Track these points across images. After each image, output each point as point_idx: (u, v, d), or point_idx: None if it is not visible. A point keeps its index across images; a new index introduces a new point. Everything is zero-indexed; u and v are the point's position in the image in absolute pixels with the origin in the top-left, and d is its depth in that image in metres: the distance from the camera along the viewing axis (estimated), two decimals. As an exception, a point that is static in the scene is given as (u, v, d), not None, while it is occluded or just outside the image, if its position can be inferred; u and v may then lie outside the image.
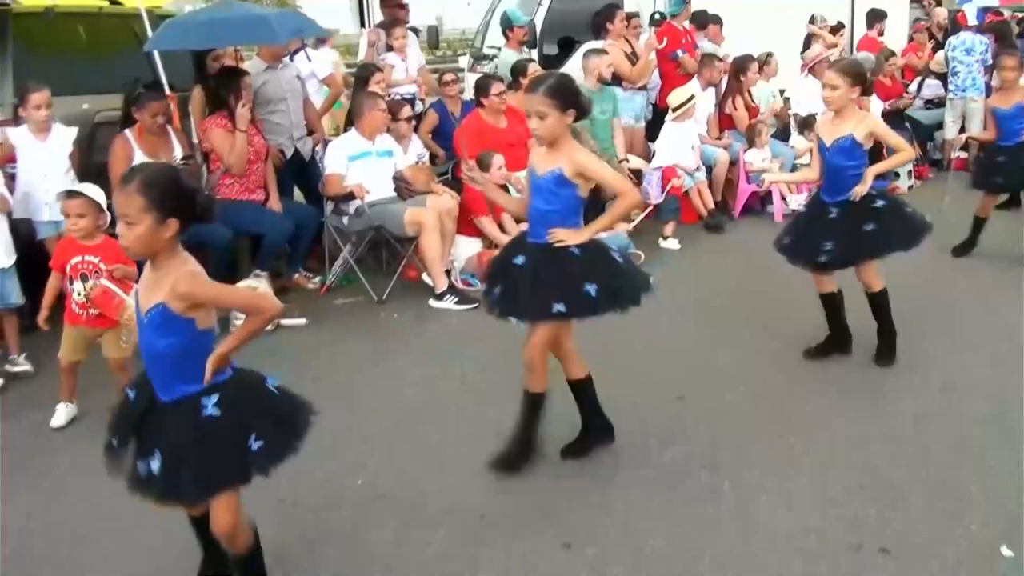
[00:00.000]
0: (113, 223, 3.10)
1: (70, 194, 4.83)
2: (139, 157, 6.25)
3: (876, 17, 12.07)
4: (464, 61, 11.86)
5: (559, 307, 3.90)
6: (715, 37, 10.66)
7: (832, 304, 5.43)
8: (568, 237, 3.97)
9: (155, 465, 2.86)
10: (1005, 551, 3.38)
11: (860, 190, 5.06)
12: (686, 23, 10.21)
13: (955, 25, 12.11)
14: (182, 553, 3.44)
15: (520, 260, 4.05)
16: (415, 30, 10.04)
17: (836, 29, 11.66)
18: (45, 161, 6.08)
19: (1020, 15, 14.96)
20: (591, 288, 3.89)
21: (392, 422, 4.83)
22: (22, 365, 5.71)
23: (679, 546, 3.54)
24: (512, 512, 3.87)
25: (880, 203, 5.19)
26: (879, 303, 5.29)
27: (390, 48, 8.86)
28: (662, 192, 8.41)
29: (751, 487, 3.97)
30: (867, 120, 5.24)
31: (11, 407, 5.27)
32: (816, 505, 3.81)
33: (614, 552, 3.53)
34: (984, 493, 3.81)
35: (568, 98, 3.95)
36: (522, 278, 4.00)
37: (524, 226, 4.31)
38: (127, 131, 6.38)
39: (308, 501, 4.02)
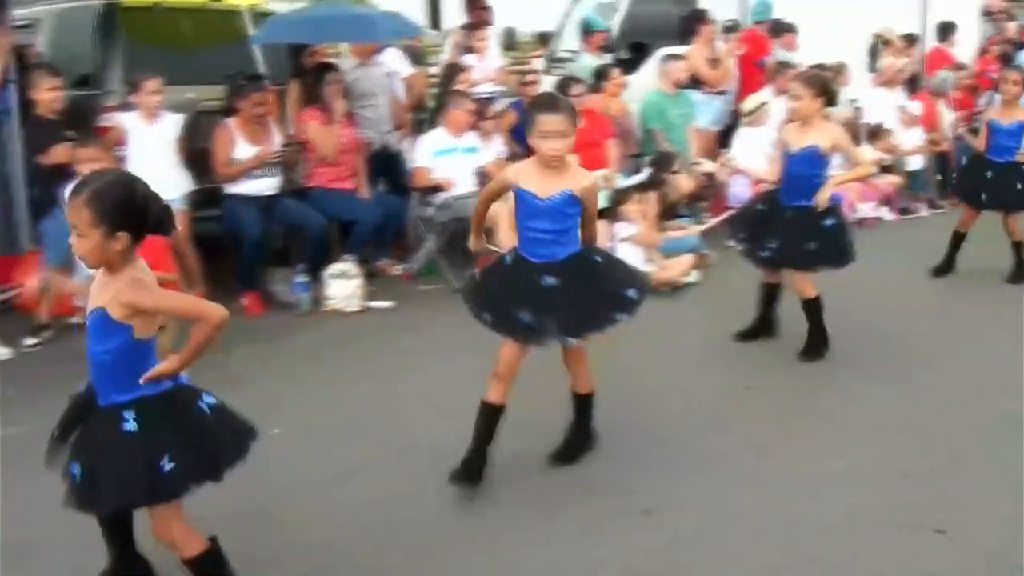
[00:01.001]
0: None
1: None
2: (241, 145, 6.66)
3: (947, 30, 12.15)
4: (538, 64, 12.09)
5: (620, 316, 4.00)
6: (789, 45, 10.81)
7: (769, 294, 5.84)
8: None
9: (75, 470, 2.86)
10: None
11: (823, 198, 5.27)
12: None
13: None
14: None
15: (551, 281, 3.95)
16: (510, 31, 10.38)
17: (910, 41, 11.74)
18: (153, 145, 6.46)
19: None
20: (631, 291, 4.04)
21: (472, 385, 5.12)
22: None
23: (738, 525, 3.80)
24: (591, 482, 4.14)
25: (829, 222, 5.42)
26: (811, 309, 5.53)
27: (470, 50, 9.18)
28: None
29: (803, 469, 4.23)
30: (832, 132, 5.44)
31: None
32: (865, 487, 4.03)
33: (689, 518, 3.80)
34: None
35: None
36: (563, 298, 3.95)
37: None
38: (229, 120, 6.76)
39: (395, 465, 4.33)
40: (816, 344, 5.58)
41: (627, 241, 7.17)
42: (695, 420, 4.76)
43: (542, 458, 4.30)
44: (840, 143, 5.47)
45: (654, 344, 5.68)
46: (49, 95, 6.31)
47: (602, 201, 7.70)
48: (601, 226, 6.63)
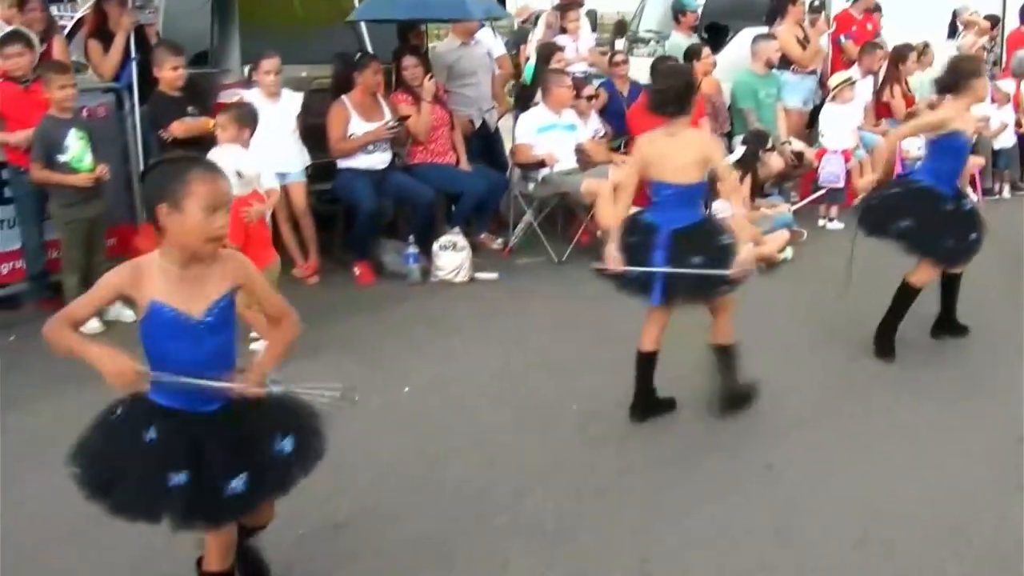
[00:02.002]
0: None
1: None
2: (355, 120, 6.93)
3: (1034, 15, 12.08)
4: (620, 44, 12.25)
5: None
6: (876, 26, 10.85)
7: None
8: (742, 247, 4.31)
9: (239, 485, 2.72)
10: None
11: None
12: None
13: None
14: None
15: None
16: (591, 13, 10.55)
17: (993, 23, 11.71)
18: (274, 122, 6.72)
19: None
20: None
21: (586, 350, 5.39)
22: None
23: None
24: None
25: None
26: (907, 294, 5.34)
27: (563, 30, 9.38)
28: (843, 175, 8.72)
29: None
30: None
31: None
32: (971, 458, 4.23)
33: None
34: None
35: None
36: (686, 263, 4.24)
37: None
38: (344, 96, 7.03)
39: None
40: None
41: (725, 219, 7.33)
42: (806, 395, 4.96)
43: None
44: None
45: (756, 319, 5.84)
46: (172, 73, 6.58)
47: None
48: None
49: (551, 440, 4.43)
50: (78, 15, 8.82)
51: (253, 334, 5.14)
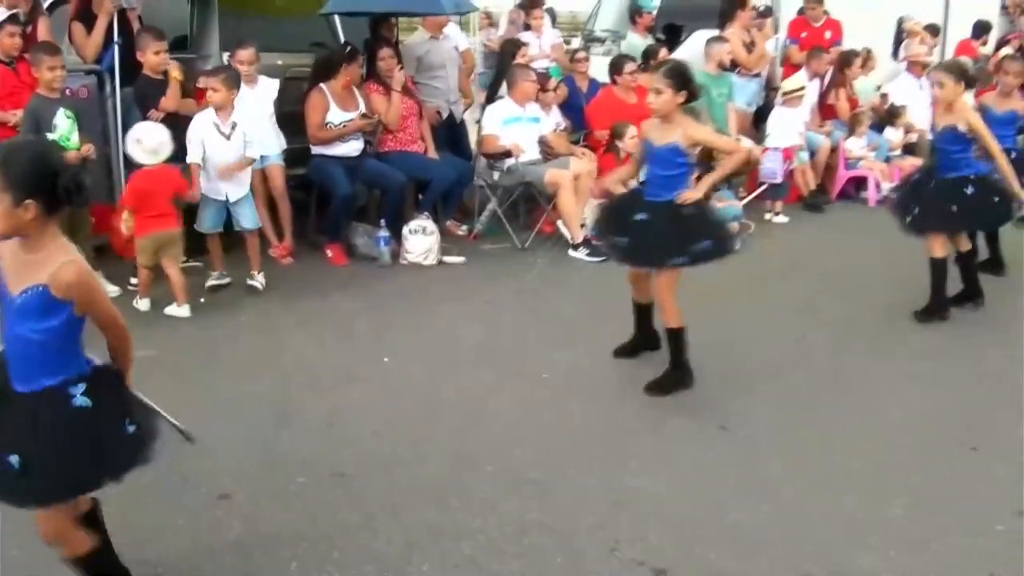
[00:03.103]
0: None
1: None
2: (333, 109, 7.25)
3: (983, 29, 12.71)
4: (576, 43, 12.66)
5: (682, 259, 4.72)
6: (837, 34, 11.36)
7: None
8: (691, 195, 4.79)
9: (13, 460, 2.66)
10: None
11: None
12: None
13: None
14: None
15: (643, 216, 4.85)
16: (550, 11, 10.93)
17: (933, 32, 12.28)
18: (252, 107, 6.99)
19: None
20: (706, 243, 4.75)
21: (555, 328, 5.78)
22: (257, 281, 6.68)
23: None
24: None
25: (971, 190, 5.92)
26: (936, 267, 5.96)
27: (527, 27, 9.76)
28: (784, 171, 9.21)
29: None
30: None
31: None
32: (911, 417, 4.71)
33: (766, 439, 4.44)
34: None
35: (683, 81, 4.73)
36: (648, 232, 4.81)
37: (632, 183, 5.26)
38: (323, 85, 7.33)
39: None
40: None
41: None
42: (759, 361, 5.41)
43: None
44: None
45: (709, 301, 6.29)
46: (155, 57, 6.82)
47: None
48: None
49: (528, 402, 4.81)
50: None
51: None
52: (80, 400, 2.72)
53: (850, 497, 3.88)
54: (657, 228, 4.79)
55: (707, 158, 9.01)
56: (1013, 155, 6.85)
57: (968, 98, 10.61)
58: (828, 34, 11.05)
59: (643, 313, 5.32)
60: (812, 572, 3.35)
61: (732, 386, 5.01)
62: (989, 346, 5.72)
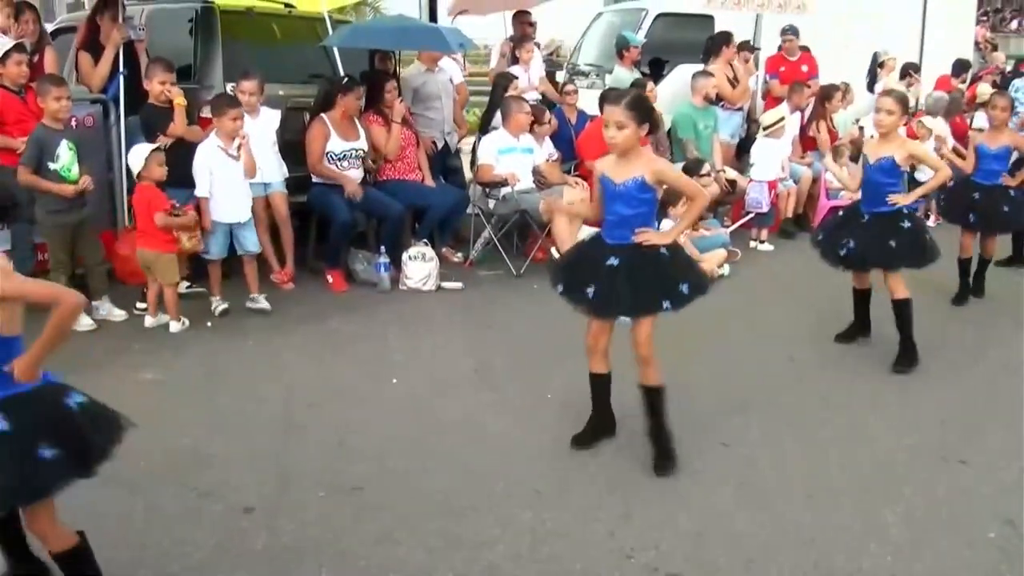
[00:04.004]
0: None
1: None
2: (334, 139, 7.44)
3: (963, 67, 13.08)
4: (561, 76, 12.92)
5: (666, 303, 4.32)
6: (814, 68, 11.71)
7: (861, 299, 6.32)
8: (657, 239, 4.37)
9: None
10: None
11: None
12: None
13: (1017, 71, 13.17)
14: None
15: (614, 262, 4.35)
16: (537, 44, 11.18)
17: (915, 70, 12.62)
18: (254, 135, 7.15)
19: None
20: (684, 286, 4.37)
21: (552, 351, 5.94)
22: (262, 304, 6.86)
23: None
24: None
25: (907, 224, 5.86)
26: (902, 311, 5.81)
27: (515, 60, 10.00)
28: (770, 202, 9.48)
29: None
30: (907, 145, 5.94)
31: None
32: (900, 431, 4.93)
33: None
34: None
35: (645, 113, 4.34)
36: (621, 279, 4.33)
37: (591, 230, 4.85)
38: (324, 115, 7.52)
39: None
40: (907, 352, 5.83)
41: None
42: (753, 381, 5.62)
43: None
44: (916, 154, 6.07)
45: (700, 326, 6.49)
46: (161, 86, 6.98)
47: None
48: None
49: (530, 420, 4.98)
50: (52, 27, 9.15)
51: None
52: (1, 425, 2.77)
53: (846, 507, 4.09)
54: (631, 273, 4.36)
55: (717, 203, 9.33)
56: (1007, 191, 7.24)
57: (942, 126, 11.04)
58: (804, 68, 11.42)
59: (604, 389, 4.72)
60: (816, 577, 3.54)
61: (728, 405, 5.21)
62: (973, 364, 6.00)
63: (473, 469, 4.42)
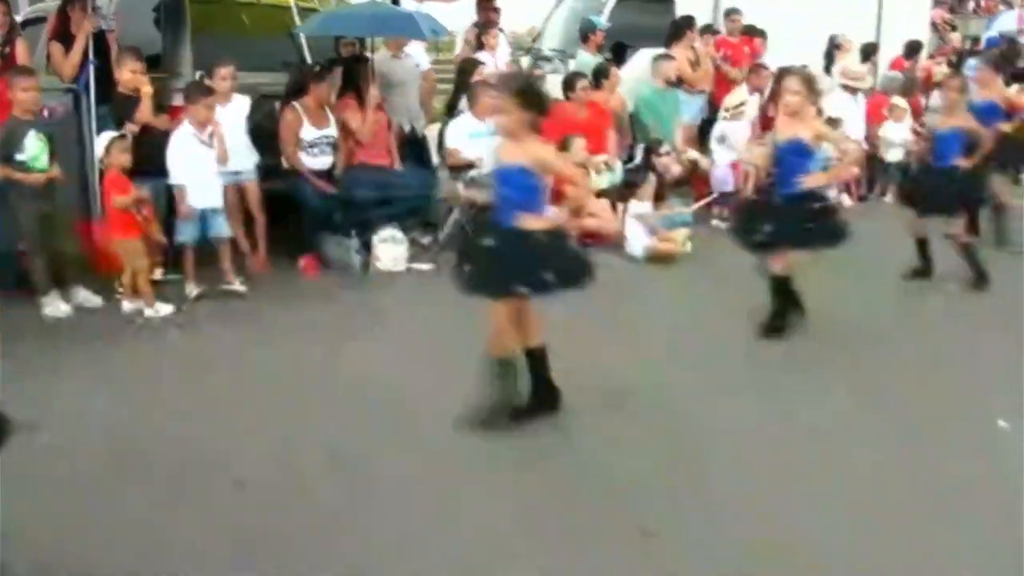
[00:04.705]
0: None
1: None
2: (306, 126, 7.59)
3: (913, 49, 13.39)
4: (524, 61, 13.08)
5: (521, 288, 4.45)
6: (758, 49, 11.95)
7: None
8: (535, 223, 4.44)
9: None
10: (1001, 423, 4.72)
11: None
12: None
13: (972, 50, 13.50)
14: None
15: (490, 242, 4.57)
16: (501, 30, 11.34)
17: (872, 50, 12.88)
18: (226, 122, 7.25)
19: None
20: (549, 274, 4.42)
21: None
22: (237, 287, 7.03)
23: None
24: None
25: (819, 205, 6.03)
26: (780, 286, 5.89)
27: (481, 46, 10.18)
28: (736, 182, 9.75)
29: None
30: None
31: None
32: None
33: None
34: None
35: (530, 97, 4.43)
36: (491, 258, 4.54)
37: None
38: (296, 103, 7.66)
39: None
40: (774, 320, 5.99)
41: (636, 217, 8.25)
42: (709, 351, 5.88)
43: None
44: (824, 135, 6.21)
45: (666, 298, 6.75)
46: (130, 75, 7.11)
47: (608, 181, 8.84)
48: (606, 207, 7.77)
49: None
50: (21, 17, 9.19)
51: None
52: None
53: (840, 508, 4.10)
54: (503, 255, 4.48)
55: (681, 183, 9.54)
56: (959, 172, 7.24)
57: (902, 103, 11.33)
58: (747, 49, 11.64)
59: (539, 365, 4.81)
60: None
61: (713, 385, 5.34)
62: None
63: (463, 440, 4.57)
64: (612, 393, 5.12)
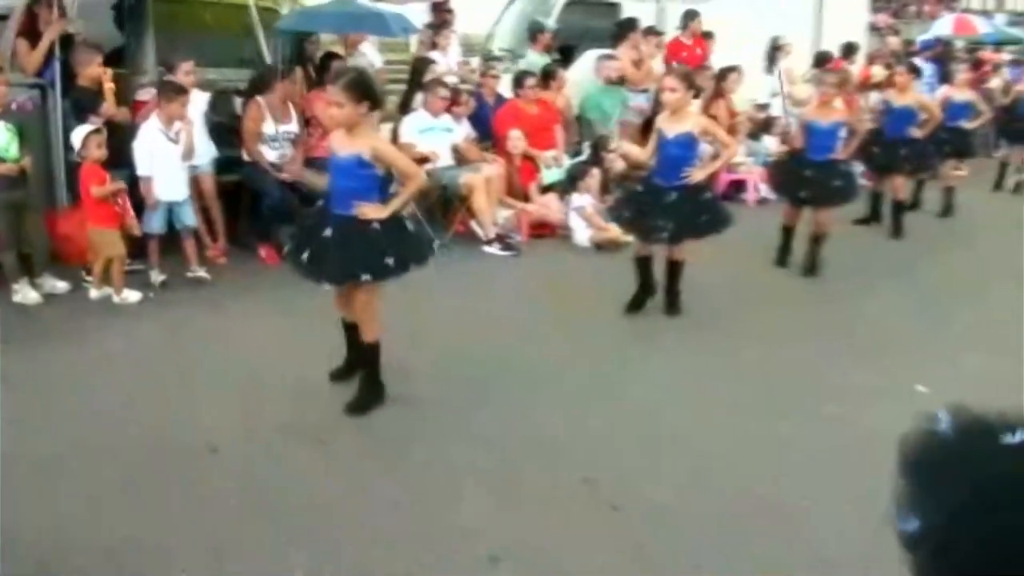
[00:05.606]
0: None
1: None
2: (269, 121, 7.90)
3: (850, 50, 13.95)
4: (475, 62, 13.45)
5: (366, 276, 4.66)
6: (708, 51, 12.43)
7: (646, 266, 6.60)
8: (372, 212, 4.64)
9: None
10: (920, 388, 5.19)
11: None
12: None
13: (909, 52, 14.11)
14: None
15: (328, 232, 4.68)
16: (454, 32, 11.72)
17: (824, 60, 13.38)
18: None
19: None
20: (390, 259, 4.66)
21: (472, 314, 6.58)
22: (201, 273, 7.33)
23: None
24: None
25: (706, 196, 6.45)
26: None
27: (434, 46, 10.55)
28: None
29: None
30: (699, 120, 6.33)
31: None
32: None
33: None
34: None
35: (364, 91, 4.59)
36: (330, 248, 4.67)
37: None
38: (260, 98, 7.97)
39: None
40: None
41: (579, 209, 8.67)
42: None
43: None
44: (708, 129, 6.39)
45: (609, 281, 7.15)
46: (93, 70, 7.37)
47: (555, 176, 9.26)
48: (554, 199, 8.20)
49: (463, 375, 5.57)
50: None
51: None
52: None
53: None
54: (342, 244, 4.66)
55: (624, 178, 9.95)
56: (840, 165, 7.68)
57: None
58: (698, 50, 12.14)
59: (350, 331, 5.13)
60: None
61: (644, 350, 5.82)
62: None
63: (429, 415, 4.97)
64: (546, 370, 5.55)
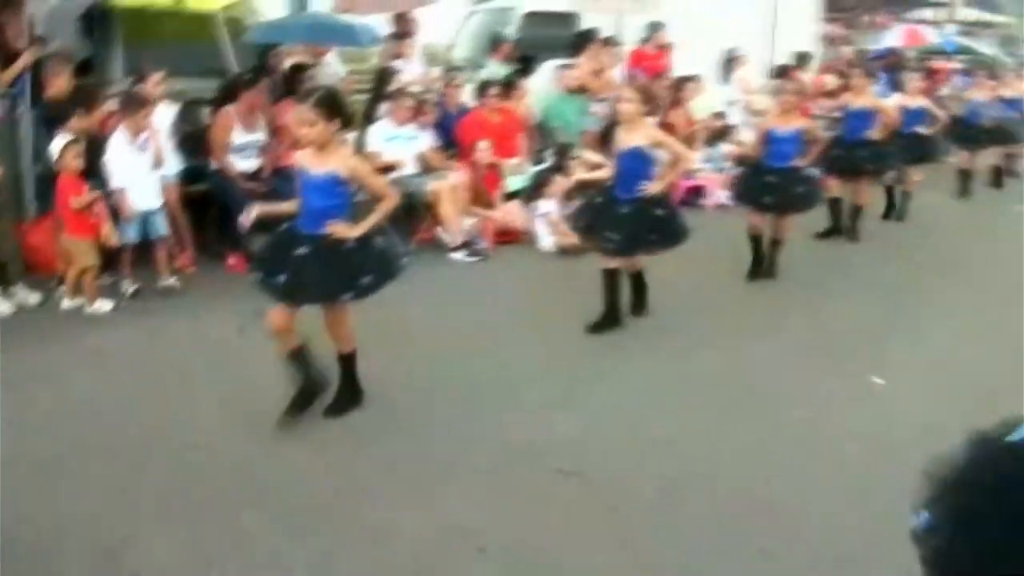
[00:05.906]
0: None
1: None
2: (238, 130, 8.01)
3: (803, 59, 14.30)
4: (436, 71, 13.62)
5: (348, 296, 4.70)
6: (669, 61, 12.72)
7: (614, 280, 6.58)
8: (344, 232, 4.63)
9: None
10: (876, 380, 5.44)
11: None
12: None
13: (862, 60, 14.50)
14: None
15: (303, 251, 4.62)
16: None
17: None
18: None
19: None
20: (367, 277, 4.69)
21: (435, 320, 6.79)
22: (172, 282, 7.45)
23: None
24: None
25: (661, 211, 6.35)
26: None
27: (397, 56, 10.70)
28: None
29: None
30: (652, 132, 6.33)
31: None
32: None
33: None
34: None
35: (335, 109, 4.57)
36: (307, 267, 4.61)
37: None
38: (229, 107, 8.08)
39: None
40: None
41: (543, 216, 8.87)
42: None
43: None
44: (658, 140, 6.34)
45: (573, 285, 7.35)
46: (61, 80, 7.46)
47: (520, 183, 9.45)
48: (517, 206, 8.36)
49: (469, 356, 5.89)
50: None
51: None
52: None
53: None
54: (320, 264, 4.63)
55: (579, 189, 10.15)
56: (802, 171, 7.73)
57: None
58: (662, 61, 12.42)
59: (305, 360, 4.93)
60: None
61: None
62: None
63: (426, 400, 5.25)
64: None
